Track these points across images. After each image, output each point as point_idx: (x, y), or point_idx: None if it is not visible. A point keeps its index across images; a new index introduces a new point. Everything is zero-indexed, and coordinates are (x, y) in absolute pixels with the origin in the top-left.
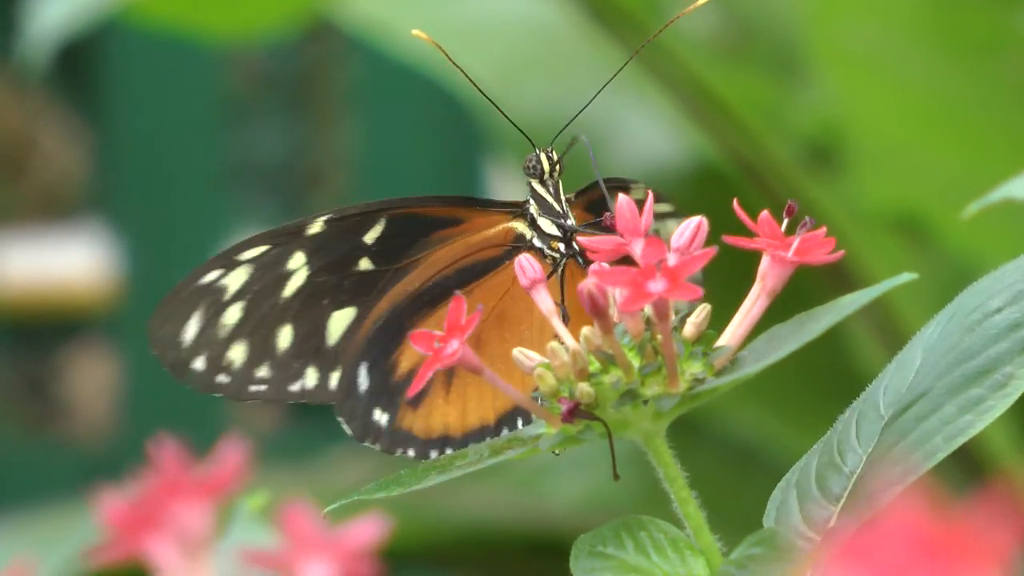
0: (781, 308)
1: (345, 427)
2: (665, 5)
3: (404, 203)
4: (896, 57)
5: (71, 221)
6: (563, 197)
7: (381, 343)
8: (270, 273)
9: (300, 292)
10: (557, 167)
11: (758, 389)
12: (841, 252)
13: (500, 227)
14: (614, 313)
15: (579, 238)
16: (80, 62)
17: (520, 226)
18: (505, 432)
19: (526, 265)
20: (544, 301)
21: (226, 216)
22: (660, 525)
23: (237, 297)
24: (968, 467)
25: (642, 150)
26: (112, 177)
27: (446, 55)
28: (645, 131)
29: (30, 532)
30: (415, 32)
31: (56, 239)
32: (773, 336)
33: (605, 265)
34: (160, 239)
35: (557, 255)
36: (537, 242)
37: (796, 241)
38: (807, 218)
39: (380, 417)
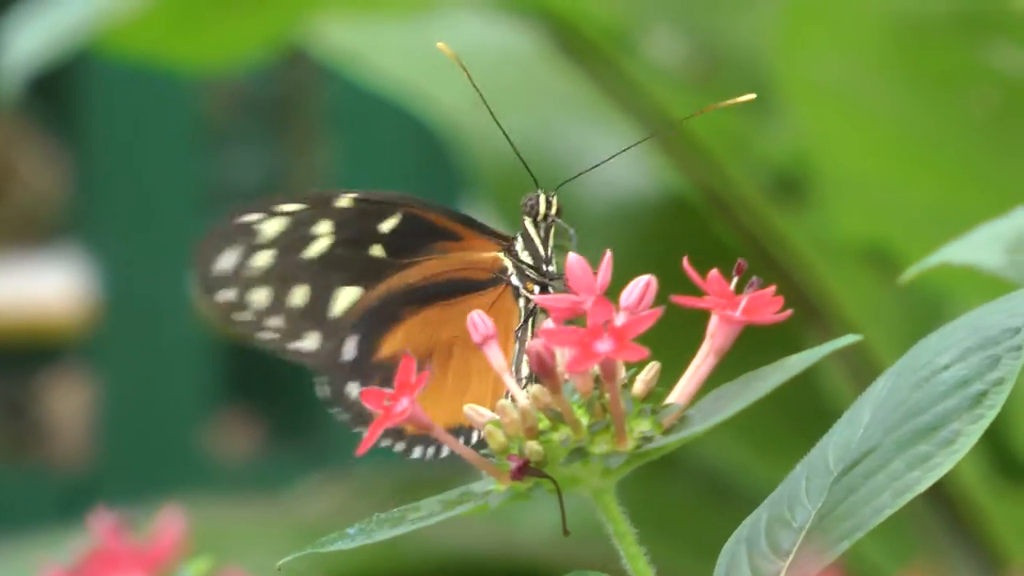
0: (749, 339)
1: (320, 390)
2: (631, 37)
3: (421, 204)
4: (863, 90)
5: (48, 245)
6: (551, 244)
7: (371, 323)
8: (300, 231)
9: (320, 258)
10: (552, 213)
11: (729, 418)
12: (789, 312)
13: (491, 254)
14: (563, 371)
15: (535, 297)
16: (57, 86)
17: (506, 260)
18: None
19: (478, 322)
20: (496, 357)
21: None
22: None
23: (270, 245)
24: (938, 501)
25: (609, 180)
26: (90, 201)
27: (471, 80)
28: (613, 161)
29: (7, 559)
30: (439, 45)
31: (33, 264)
32: (720, 395)
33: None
34: (138, 264)
35: (531, 297)
36: (515, 280)
37: (744, 300)
38: (754, 277)
39: (351, 390)
